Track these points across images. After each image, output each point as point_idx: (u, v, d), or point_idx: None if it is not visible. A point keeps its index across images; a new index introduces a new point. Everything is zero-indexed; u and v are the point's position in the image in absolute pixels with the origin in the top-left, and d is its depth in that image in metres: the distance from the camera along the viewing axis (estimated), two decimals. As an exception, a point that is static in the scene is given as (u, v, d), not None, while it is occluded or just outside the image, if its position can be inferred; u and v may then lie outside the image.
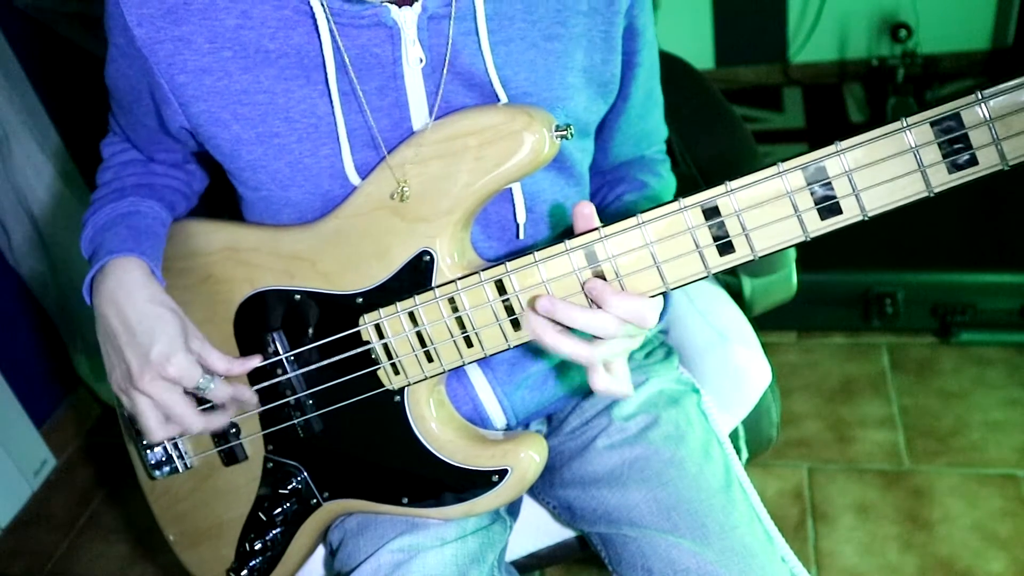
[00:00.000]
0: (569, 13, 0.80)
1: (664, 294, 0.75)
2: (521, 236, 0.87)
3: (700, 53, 2.94)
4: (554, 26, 0.79)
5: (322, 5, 0.74)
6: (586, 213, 0.73)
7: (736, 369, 1.11)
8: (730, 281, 1.23)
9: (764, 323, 1.30)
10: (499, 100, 0.79)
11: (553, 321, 0.74)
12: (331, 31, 0.75)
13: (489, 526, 0.93)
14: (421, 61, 0.77)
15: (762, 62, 2.93)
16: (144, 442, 0.94)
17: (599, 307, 0.72)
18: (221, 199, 0.96)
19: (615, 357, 0.75)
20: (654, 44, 0.91)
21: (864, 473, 1.74)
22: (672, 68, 0.96)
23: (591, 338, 0.74)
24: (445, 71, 0.77)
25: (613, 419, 0.94)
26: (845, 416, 1.87)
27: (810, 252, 1.39)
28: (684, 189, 0.74)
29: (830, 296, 2.00)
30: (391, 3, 0.75)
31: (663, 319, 0.83)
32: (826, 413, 1.89)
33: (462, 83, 0.79)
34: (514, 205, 0.85)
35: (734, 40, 2.91)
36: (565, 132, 0.76)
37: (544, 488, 0.99)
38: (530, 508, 1.04)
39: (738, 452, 1.10)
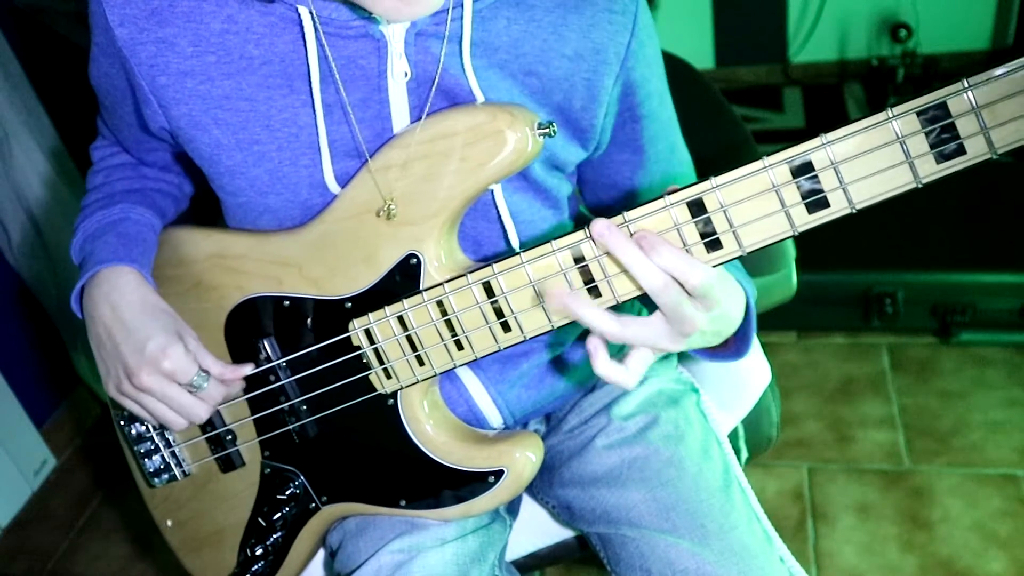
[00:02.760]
0: (553, 55, 0.79)
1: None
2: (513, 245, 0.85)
3: (700, 53, 2.95)
4: (535, 64, 0.79)
5: (311, 13, 0.74)
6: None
7: (736, 369, 1.11)
8: (730, 281, 1.23)
9: (764, 323, 1.29)
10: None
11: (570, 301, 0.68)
12: (319, 40, 0.75)
13: (489, 525, 0.93)
14: (406, 75, 0.76)
15: (762, 62, 2.93)
16: (142, 450, 0.94)
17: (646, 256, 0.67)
18: (208, 206, 0.95)
19: (643, 344, 0.71)
20: (664, 95, 0.88)
21: (864, 473, 1.74)
22: (672, 68, 0.95)
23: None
24: (434, 88, 0.77)
25: (612, 419, 0.94)
26: (845, 416, 1.87)
27: (810, 252, 1.39)
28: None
29: (830, 296, 2.00)
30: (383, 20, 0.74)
31: (749, 313, 0.77)
32: (826, 413, 1.89)
33: (445, 99, 0.78)
34: (502, 223, 0.83)
35: (734, 40, 2.91)
36: (547, 129, 0.75)
37: (543, 488, 0.99)
38: (530, 508, 1.04)
39: (738, 452, 1.10)
